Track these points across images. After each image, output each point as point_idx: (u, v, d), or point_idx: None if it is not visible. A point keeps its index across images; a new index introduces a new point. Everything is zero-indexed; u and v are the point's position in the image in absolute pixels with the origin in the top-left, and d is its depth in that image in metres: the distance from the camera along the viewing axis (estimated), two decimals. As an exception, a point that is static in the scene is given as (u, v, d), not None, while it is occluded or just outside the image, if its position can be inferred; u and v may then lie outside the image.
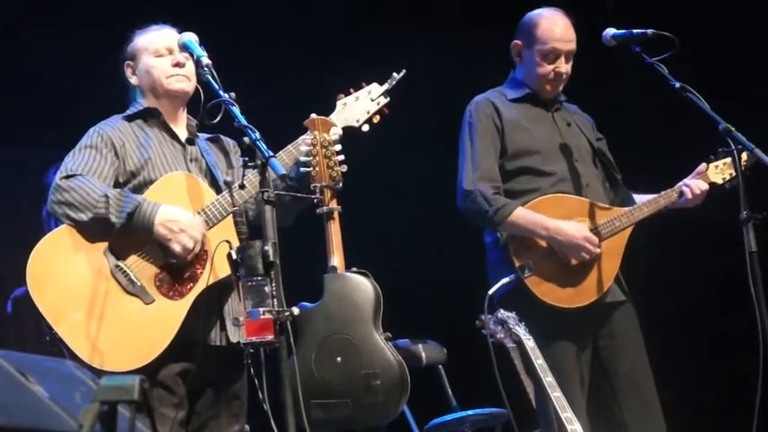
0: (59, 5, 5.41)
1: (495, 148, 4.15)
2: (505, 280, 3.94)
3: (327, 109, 3.83)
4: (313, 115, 3.76)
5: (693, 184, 4.15)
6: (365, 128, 3.86)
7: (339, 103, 3.86)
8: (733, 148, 3.75)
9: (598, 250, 4.00)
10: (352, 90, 3.88)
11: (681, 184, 4.19)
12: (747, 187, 3.70)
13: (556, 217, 4.03)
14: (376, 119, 3.87)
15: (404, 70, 3.87)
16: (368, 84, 3.90)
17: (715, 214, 4.18)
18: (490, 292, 3.93)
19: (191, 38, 3.47)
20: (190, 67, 3.68)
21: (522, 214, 4.01)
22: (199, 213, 3.49)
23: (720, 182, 4.20)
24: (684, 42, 3.83)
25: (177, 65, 3.67)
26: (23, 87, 5.41)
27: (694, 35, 4.37)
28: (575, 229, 4.00)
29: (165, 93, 3.69)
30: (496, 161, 4.14)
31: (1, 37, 5.30)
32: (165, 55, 3.69)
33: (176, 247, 3.41)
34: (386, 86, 3.88)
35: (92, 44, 4.83)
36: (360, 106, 3.86)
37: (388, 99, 3.88)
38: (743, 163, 3.89)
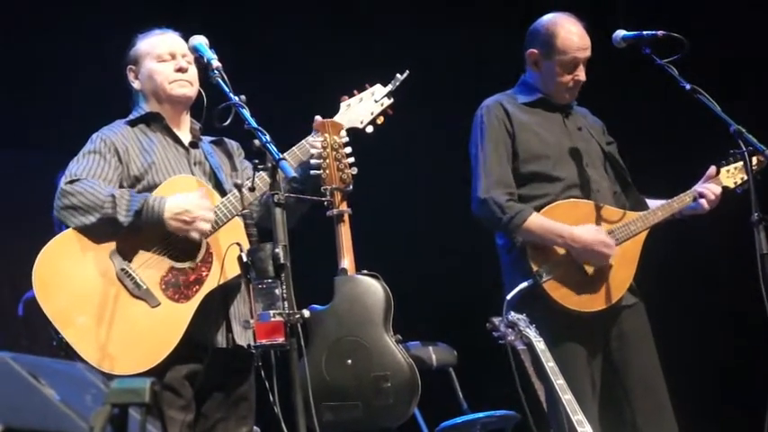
0: (67, 7, 5.43)
1: (507, 153, 4.13)
2: (524, 285, 3.94)
3: (331, 111, 3.82)
4: (318, 117, 3.75)
5: (708, 189, 4.14)
6: (369, 129, 3.85)
7: (343, 105, 3.84)
8: (744, 149, 3.74)
9: (613, 252, 4.00)
10: (355, 91, 3.86)
11: (694, 189, 4.17)
12: (757, 189, 3.69)
13: (570, 222, 4.02)
14: (380, 120, 3.85)
15: (407, 71, 3.85)
16: (371, 85, 3.88)
17: (724, 216, 4.18)
18: (508, 297, 3.92)
19: (201, 41, 3.48)
20: (192, 72, 3.68)
21: (537, 221, 4.00)
22: (215, 207, 3.49)
23: (732, 186, 4.19)
24: (694, 43, 3.83)
25: (180, 70, 3.66)
26: (40, 91, 5.43)
27: (701, 36, 4.36)
28: (590, 234, 3.99)
29: (167, 98, 3.68)
30: (509, 165, 4.12)
31: (9, 38, 5.32)
32: (167, 60, 3.67)
33: (195, 235, 3.42)
34: (389, 87, 3.86)
35: (101, 47, 4.84)
36: (363, 108, 3.84)
37: (392, 100, 3.86)
38: (754, 167, 3.89)
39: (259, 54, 5.78)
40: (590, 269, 4.01)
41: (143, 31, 3.76)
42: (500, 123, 4.15)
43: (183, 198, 3.44)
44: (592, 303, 4.00)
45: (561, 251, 4.00)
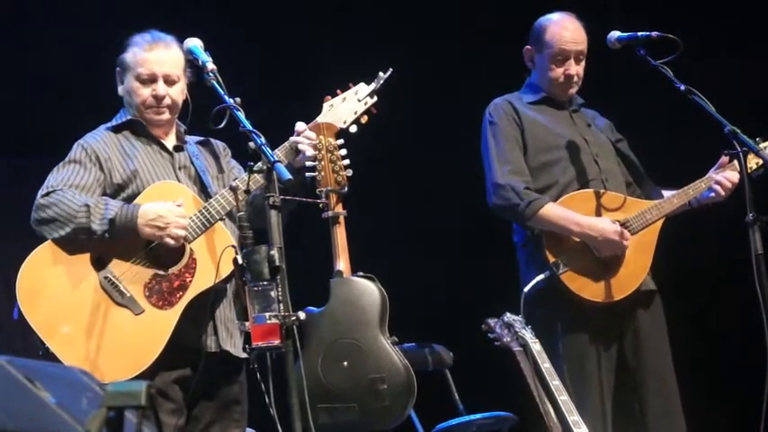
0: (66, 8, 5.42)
1: (519, 145, 4.17)
2: (541, 277, 3.96)
3: (314, 111, 3.79)
4: (300, 123, 3.73)
5: (723, 177, 4.14)
6: (353, 129, 3.81)
7: (326, 105, 3.81)
8: (738, 150, 3.75)
9: (627, 243, 4.01)
10: (338, 91, 3.83)
11: (709, 176, 4.18)
12: (753, 189, 3.70)
13: (586, 212, 4.05)
14: (364, 119, 3.82)
15: (390, 69, 3.83)
16: (355, 84, 3.84)
17: (723, 214, 4.18)
18: (525, 289, 3.93)
19: (195, 43, 3.47)
20: (174, 93, 3.65)
21: (554, 209, 4.03)
22: (200, 212, 3.49)
23: (747, 172, 4.17)
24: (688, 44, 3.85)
25: (156, 98, 3.63)
26: (35, 95, 5.41)
27: (697, 36, 4.37)
28: (606, 224, 4.02)
29: (143, 118, 3.67)
30: (522, 157, 4.16)
31: (7, 39, 5.31)
32: (146, 83, 3.63)
33: (170, 241, 3.42)
34: (373, 86, 3.83)
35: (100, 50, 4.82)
36: (347, 107, 3.81)
37: (375, 99, 3.82)
38: (755, 170, 3.96)
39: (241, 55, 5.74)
40: (606, 259, 4.02)
41: (139, 30, 3.72)
42: (509, 118, 4.20)
43: (158, 205, 3.44)
44: (609, 293, 4.02)
45: (577, 241, 4.02)
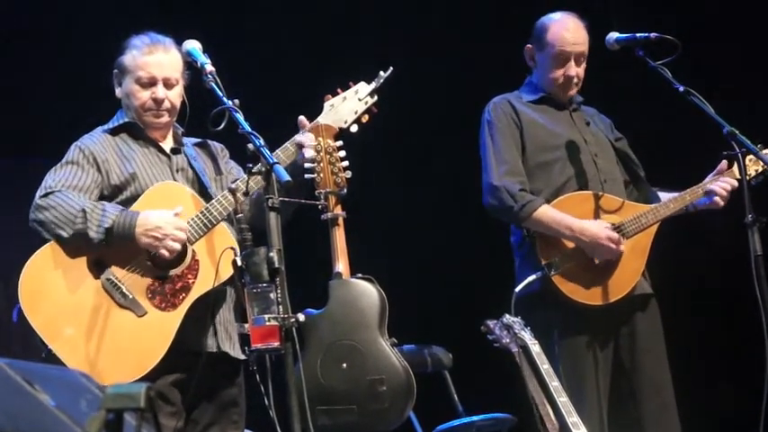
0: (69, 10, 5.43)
1: (516, 145, 4.17)
2: (532, 277, 3.96)
3: (313, 113, 3.78)
4: (301, 118, 3.72)
5: (719, 186, 4.13)
6: (354, 128, 3.79)
7: (326, 105, 3.79)
8: (737, 151, 3.75)
9: (622, 249, 4.01)
10: (339, 90, 3.81)
11: (706, 183, 4.17)
12: (751, 190, 3.71)
13: (581, 214, 4.05)
14: (364, 119, 3.80)
15: (390, 68, 3.81)
16: (355, 83, 3.82)
17: (721, 216, 4.18)
18: (517, 290, 3.94)
19: (194, 45, 3.47)
20: (173, 96, 3.64)
21: (548, 212, 4.02)
22: (201, 213, 3.48)
23: (746, 176, 4.16)
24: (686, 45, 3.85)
25: (155, 101, 3.63)
26: (36, 97, 5.42)
27: (697, 37, 4.37)
28: (599, 228, 4.01)
29: (141, 121, 3.67)
30: (520, 157, 4.15)
31: (7, 44, 5.31)
32: (146, 86, 3.62)
33: (165, 253, 3.40)
34: (373, 85, 3.81)
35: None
36: (347, 107, 3.78)
37: (376, 98, 3.80)
38: (753, 177, 3.97)
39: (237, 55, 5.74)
40: (599, 262, 4.02)
41: (138, 31, 3.71)
42: (507, 117, 4.20)
43: (157, 213, 3.42)
44: (602, 296, 4.02)
45: (571, 244, 4.02)
